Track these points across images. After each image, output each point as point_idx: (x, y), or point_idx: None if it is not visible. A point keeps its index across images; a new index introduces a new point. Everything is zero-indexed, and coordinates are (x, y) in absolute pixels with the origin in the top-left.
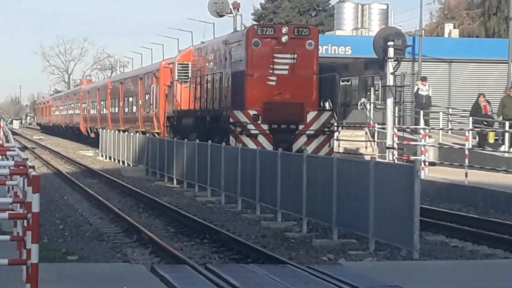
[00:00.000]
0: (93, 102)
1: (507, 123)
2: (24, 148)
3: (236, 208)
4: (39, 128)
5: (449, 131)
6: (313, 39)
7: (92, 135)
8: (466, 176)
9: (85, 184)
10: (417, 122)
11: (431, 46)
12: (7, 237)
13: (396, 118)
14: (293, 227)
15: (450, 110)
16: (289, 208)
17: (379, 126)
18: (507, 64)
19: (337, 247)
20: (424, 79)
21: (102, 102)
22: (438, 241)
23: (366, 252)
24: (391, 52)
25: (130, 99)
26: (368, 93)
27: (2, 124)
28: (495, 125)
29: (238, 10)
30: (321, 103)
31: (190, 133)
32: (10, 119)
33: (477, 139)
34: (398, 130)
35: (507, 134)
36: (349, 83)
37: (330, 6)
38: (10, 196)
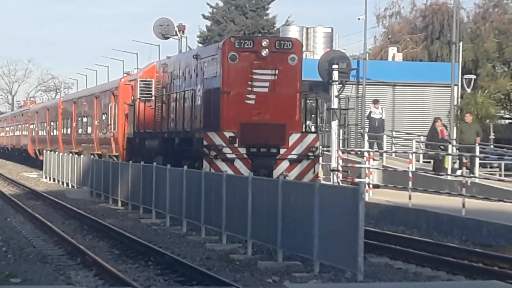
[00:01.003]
0: (42, 123)
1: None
2: None
3: (181, 230)
4: None
5: (393, 154)
6: (296, 53)
7: (41, 157)
8: (410, 198)
9: (28, 206)
10: (370, 145)
11: (375, 69)
12: None
13: (341, 140)
14: (238, 249)
15: (394, 133)
16: (234, 230)
17: (324, 149)
18: (450, 88)
19: (282, 269)
20: (376, 102)
21: (52, 123)
22: (382, 263)
23: (311, 274)
24: (335, 75)
25: (85, 119)
26: (313, 115)
27: None
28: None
29: (183, 32)
30: (305, 125)
31: (155, 156)
32: None
33: (432, 163)
34: (343, 153)
35: (463, 158)
36: None
37: (275, 29)
38: None
